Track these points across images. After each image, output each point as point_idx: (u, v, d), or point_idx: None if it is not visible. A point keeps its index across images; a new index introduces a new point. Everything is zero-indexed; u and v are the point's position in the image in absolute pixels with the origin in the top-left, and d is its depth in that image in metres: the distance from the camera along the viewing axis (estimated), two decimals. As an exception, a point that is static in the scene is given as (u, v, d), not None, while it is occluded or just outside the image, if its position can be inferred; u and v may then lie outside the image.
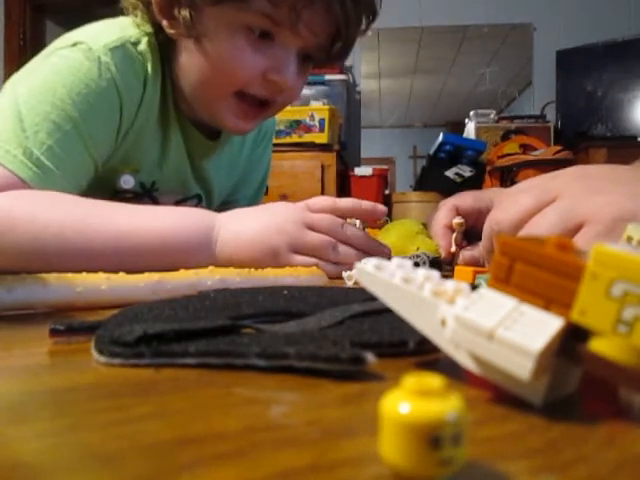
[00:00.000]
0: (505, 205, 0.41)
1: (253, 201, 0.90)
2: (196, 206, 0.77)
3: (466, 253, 0.58)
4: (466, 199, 0.60)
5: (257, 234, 0.50)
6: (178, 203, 0.75)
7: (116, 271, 0.37)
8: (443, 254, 0.58)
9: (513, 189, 0.44)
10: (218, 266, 0.42)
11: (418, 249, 0.58)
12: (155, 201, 0.71)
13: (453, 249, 0.58)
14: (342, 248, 0.52)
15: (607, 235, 0.34)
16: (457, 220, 0.57)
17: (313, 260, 0.50)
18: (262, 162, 0.90)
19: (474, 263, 0.56)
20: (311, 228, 0.51)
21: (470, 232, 0.58)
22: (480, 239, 0.45)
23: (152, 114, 0.65)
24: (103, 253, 0.47)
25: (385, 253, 0.54)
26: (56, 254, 0.46)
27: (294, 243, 0.50)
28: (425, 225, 0.64)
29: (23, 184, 0.51)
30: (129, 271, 0.37)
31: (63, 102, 0.55)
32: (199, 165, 0.75)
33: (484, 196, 0.60)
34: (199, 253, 0.50)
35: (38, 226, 0.47)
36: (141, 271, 0.38)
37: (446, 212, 0.60)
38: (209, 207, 0.79)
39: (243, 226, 0.51)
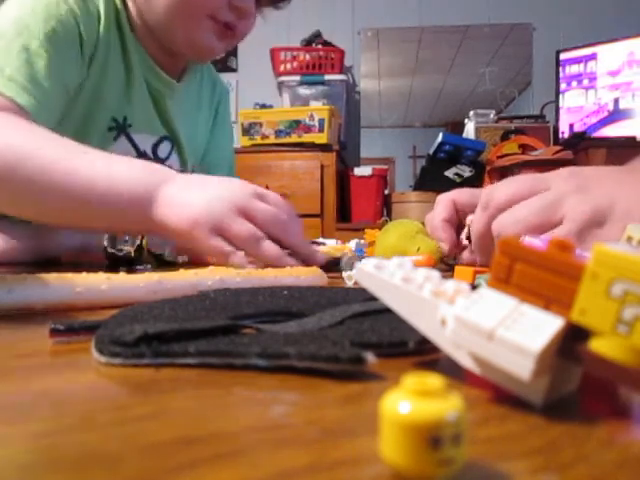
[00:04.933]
0: (497, 188, 0.42)
1: (228, 163, 0.99)
2: (170, 153, 0.86)
3: (466, 254, 0.57)
4: (463, 194, 0.60)
5: (189, 205, 0.50)
6: (155, 147, 0.83)
7: (66, 215, 0.41)
8: (445, 247, 0.58)
9: (512, 178, 0.45)
10: (153, 229, 0.46)
11: (419, 249, 0.58)
12: (132, 142, 0.79)
13: (465, 242, 0.57)
14: (268, 245, 0.49)
15: (577, 234, 0.35)
16: (471, 218, 0.57)
17: (226, 248, 0.48)
18: (225, 129, 1.00)
19: (474, 263, 0.56)
20: (250, 218, 0.49)
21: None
22: None
23: (112, 49, 0.73)
24: (56, 189, 0.50)
25: (316, 263, 0.50)
26: (9, 180, 0.50)
27: (218, 226, 0.48)
28: (424, 224, 0.64)
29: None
30: (78, 215, 0.43)
31: (30, 30, 0.63)
32: (162, 103, 0.82)
33: (480, 192, 0.60)
34: (138, 207, 0.50)
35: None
36: (89, 219, 0.44)
37: (444, 206, 0.59)
38: (182, 158, 0.88)
39: (185, 193, 0.51)
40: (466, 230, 0.57)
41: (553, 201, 0.38)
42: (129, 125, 0.78)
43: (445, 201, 0.60)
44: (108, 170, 0.52)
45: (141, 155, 0.81)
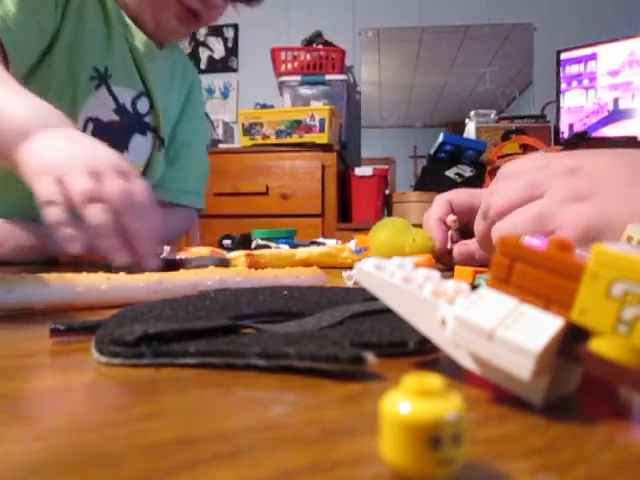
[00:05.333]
0: (495, 193, 0.41)
1: (199, 147, 1.02)
2: (149, 110, 0.88)
3: (462, 247, 0.57)
4: (460, 194, 0.60)
5: (50, 154, 0.49)
6: (134, 101, 0.86)
7: None
8: (437, 246, 0.58)
9: (509, 170, 0.43)
10: (12, 163, 0.48)
11: (414, 240, 0.57)
12: (112, 94, 0.82)
13: (449, 246, 0.58)
14: (97, 209, 0.44)
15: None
16: (451, 217, 0.57)
17: (52, 195, 0.45)
18: (197, 112, 1.03)
19: (469, 256, 0.56)
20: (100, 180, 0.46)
21: (464, 229, 0.58)
22: (474, 236, 0.45)
23: (90, 1, 0.78)
24: None
25: (147, 264, 0.45)
26: None
27: (61, 177, 0.46)
28: (416, 227, 0.64)
29: None
30: None
31: None
32: (141, 63, 0.86)
33: (478, 193, 0.60)
34: (11, 141, 0.51)
35: None
36: None
37: (440, 206, 0.59)
38: (157, 119, 0.90)
39: (55, 143, 0.50)
40: (450, 232, 0.58)
41: (546, 212, 0.37)
42: (109, 75, 0.82)
43: (441, 201, 0.60)
44: (10, 97, 0.55)
45: (120, 108, 0.84)
